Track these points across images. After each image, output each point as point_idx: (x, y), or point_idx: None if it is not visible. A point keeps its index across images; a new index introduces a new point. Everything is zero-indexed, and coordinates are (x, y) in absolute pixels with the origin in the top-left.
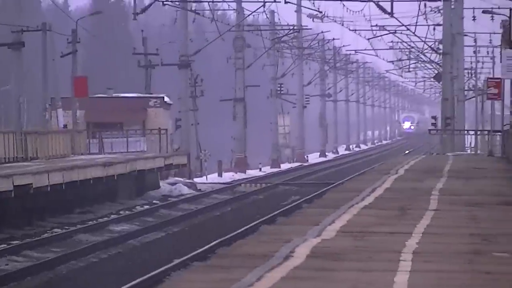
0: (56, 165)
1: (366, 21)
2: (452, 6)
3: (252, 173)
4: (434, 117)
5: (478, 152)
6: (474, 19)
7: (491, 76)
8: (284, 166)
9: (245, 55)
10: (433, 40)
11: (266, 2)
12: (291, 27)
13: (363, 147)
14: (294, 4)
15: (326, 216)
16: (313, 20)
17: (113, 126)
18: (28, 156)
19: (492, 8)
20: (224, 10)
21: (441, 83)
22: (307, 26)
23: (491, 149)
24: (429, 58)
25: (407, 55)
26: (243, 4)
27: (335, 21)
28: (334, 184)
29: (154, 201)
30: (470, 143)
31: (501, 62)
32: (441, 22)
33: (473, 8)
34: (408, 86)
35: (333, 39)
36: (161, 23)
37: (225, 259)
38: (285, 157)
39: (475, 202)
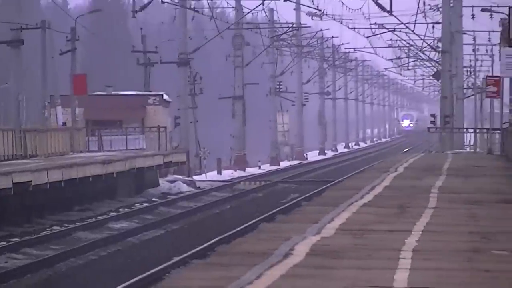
0: (55, 162)
1: (365, 19)
2: (451, 4)
3: (251, 171)
4: (433, 115)
5: (477, 150)
6: (473, 17)
7: (490, 74)
8: (283, 164)
9: (244, 53)
10: (432, 38)
11: (265, 0)
12: (290, 25)
13: (362, 145)
14: (293, 2)
15: (325, 214)
16: (312, 18)
17: (112, 123)
18: (27, 153)
19: (491, 6)
20: (223, 8)
21: (440, 81)
22: (306, 24)
23: (490, 147)
24: (428, 56)
25: (406, 53)
26: (242, 2)
27: (334, 19)
28: (333, 182)
29: (153, 199)
30: (469, 141)
31: (500, 60)
32: (440, 20)
33: (472, 6)
34: (407, 84)
35: (332, 37)
36: (160, 21)
37: (224, 257)
38: (284, 155)
39: (474, 200)
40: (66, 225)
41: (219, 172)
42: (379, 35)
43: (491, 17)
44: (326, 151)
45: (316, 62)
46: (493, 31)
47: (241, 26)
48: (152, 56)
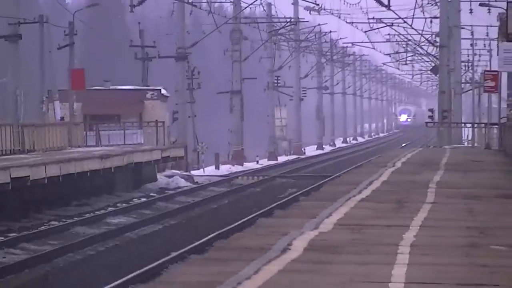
0: (53, 157)
1: (363, 14)
2: None
3: (249, 165)
4: (431, 110)
5: (475, 145)
6: (471, 12)
7: (488, 69)
8: (281, 159)
9: (242, 47)
10: (430, 33)
11: None
12: (288, 20)
13: (360, 139)
14: None
15: (323, 209)
16: (310, 12)
17: (110, 118)
18: (25, 148)
19: (489, 1)
20: (221, 2)
21: (438, 76)
22: (304, 18)
23: (488, 142)
24: (426, 51)
25: (404, 47)
26: None
27: (332, 13)
28: (331, 177)
29: (151, 194)
30: (467, 136)
31: (498, 55)
32: (438, 15)
33: (470, 1)
34: (405, 79)
35: (330, 31)
36: (158, 16)
37: (222, 252)
38: (282, 150)
39: (472, 195)
40: (64, 220)
41: (217, 167)
42: (377, 29)
43: (489, 12)
44: (324, 146)
45: (314, 57)
46: (491, 26)
47: (239, 20)
48: (150, 50)
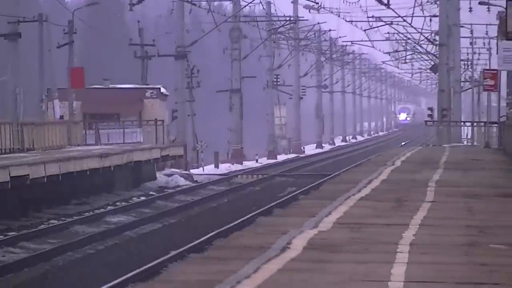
0: (53, 156)
1: (362, 12)
2: None
3: (248, 164)
4: (431, 109)
5: (475, 143)
6: (470, 10)
7: (487, 67)
8: (281, 158)
9: (242, 46)
10: (430, 31)
11: None
12: (288, 18)
13: (359, 138)
14: None
15: (323, 207)
16: (309, 11)
17: (110, 117)
18: (24, 147)
19: None
20: (220, 0)
21: (437, 74)
22: (303, 17)
23: (488, 141)
24: (426, 50)
25: (403, 46)
26: None
27: (332, 12)
28: (331, 176)
29: (150, 193)
30: (467, 134)
31: (497, 53)
32: (438, 13)
33: None
34: (405, 78)
35: (330, 30)
36: (158, 14)
37: (221, 251)
38: (281, 148)
39: (471, 193)
40: (64, 218)
41: (217, 166)
42: (376, 28)
43: (488, 10)
44: (323, 145)
45: (313, 55)
46: (491, 24)
47: (238, 19)
48: (149, 49)
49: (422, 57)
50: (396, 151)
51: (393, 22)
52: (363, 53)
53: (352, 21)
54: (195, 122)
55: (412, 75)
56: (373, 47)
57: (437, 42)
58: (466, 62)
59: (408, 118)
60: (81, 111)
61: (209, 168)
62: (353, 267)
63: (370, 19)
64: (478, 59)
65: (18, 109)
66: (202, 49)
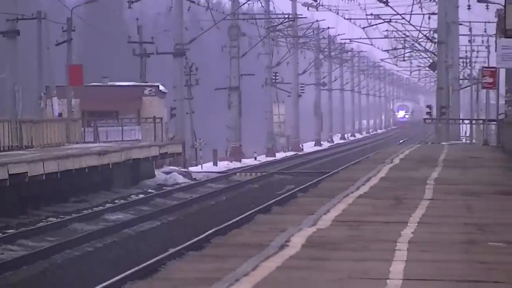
0: (51, 153)
1: (361, 10)
2: None
3: (247, 162)
4: (429, 106)
5: (473, 141)
6: (469, 8)
7: (486, 65)
8: (279, 155)
9: (240, 43)
10: (428, 29)
11: None
12: (286, 16)
13: (358, 136)
14: None
15: (321, 205)
16: (308, 8)
17: (108, 114)
18: (23, 144)
19: None
20: None
21: (436, 72)
22: (302, 14)
23: (486, 138)
24: (424, 47)
25: (402, 44)
26: None
27: (330, 9)
28: (329, 173)
29: (149, 190)
30: (465, 132)
31: (496, 51)
32: (436, 11)
33: None
34: (403, 75)
35: (328, 27)
36: (156, 12)
37: (220, 249)
38: (280, 146)
39: (470, 191)
40: (62, 216)
41: (215, 163)
42: (375, 25)
43: (487, 8)
44: (322, 142)
45: (312, 53)
46: (489, 22)
47: (237, 16)
48: (148, 46)
49: (420, 54)
50: (395, 149)
51: (392, 20)
52: (361, 51)
53: (350, 19)
54: (193, 119)
55: (411, 73)
56: (372, 44)
57: (436, 40)
58: (464, 60)
59: (407, 116)
60: (79, 109)
61: (208, 166)
62: (351, 264)
63: (369, 16)
64: (477, 56)
65: (17, 106)
66: (200, 47)
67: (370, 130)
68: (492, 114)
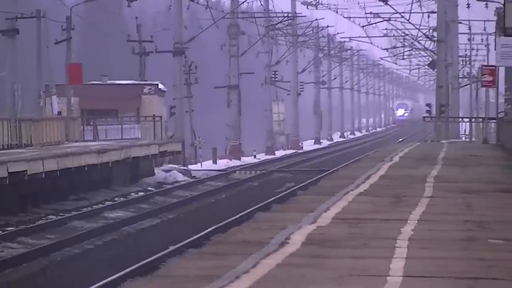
0: (51, 152)
1: (360, 9)
2: None
3: (246, 160)
4: (429, 105)
5: (473, 139)
6: (468, 7)
7: (485, 63)
8: (279, 153)
9: (239, 42)
10: (428, 28)
11: None
12: (286, 15)
13: (357, 134)
14: None
15: (321, 203)
16: (307, 7)
17: (108, 113)
18: (22, 143)
19: None
20: None
21: (435, 70)
22: (301, 13)
23: (486, 137)
24: (424, 46)
25: (401, 42)
26: None
27: (330, 8)
28: (329, 171)
29: (149, 188)
30: (465, 130)
31: (495, 49)
32: (436, 10)
33: None
34: (403, 74)
35: (328, 26)
36: (156, 10)
37: (220, 246)
38: (279, 144)
39: (470, 189)
40: (62, 214)
41: (215, 162)
42: (374, 24)
43: (486, 6)
44: (321, 141)
45: (311, 52)
46: (489, 21)
47: (236, 15)
48: (147, 45)
49: (420, 53)
50: (394, 147)
51: (391, 18)
52: (361, 49)
53: (350, 17)
54: (193, 118)
55: (410, 71)
56: (371, 43)
57: (435, 38)
58: (464, 58)
59: (406, 114)
60: (79, 107)
61: (207, 164)
62: (351, 262)
63: (368, 15)
64: (476, 55)
65: (16, 105)
66: (200, 46)
67: (370, 129)
68: (491, 112)
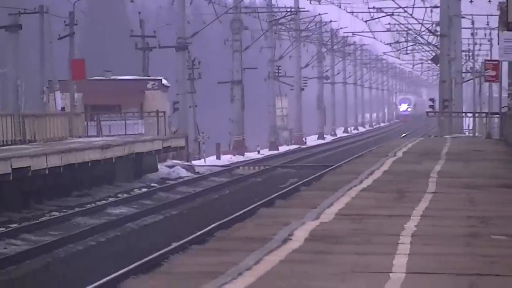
0: (54, 148)
1: (363, 3)
2: None
3: (250, 155)
4: (432, 99)
5: (476, 134)
6: (471, 1)
7: (488, 58)
8: (282, 149)
9: (243, 37)
10: (431, 22)
11: None
12: (289, 9)
13: (361, 129)
14: None
15: (325, 199)
16: (310, 2)
17: (111, 108)
18: (26, 138)
19: None
20: None
21: (438, 65)
22: (304, 8)
23: (489, 132)
24: (427, 40)
25: (404, 37)
26: None
27: (333, 3)
28: (333, 167)
29: (152, 184)
30: (468, 125)
31: (498, 44)
32: (439, 4)
33: None
34: (406, 69)
35: (331, 21)
36: (159, 5)
37: (223, 242)
38: (283, 140)
39: (473, 184)
40: (65, 210)
41: (218, 157)
42: (377, 19)
43: (489, 1)
44: (325, 136)
45: (314, 47)
46: (492, 15)
47: (239, 10)
48: (150, 40)
49: (423, 48)
50: (398, 142)
51: (394, 13)
52: (364, 44)
53: (353, 12)
54: (196, 113)
55: (413, 66)
56: (374, 38)
57: (438, 33)
58: (467, 53)
59: (409, 109)
60: (82, 103)
61: (211, 160)
62: (355, 258)
63: (371, 10)
64: (479, 49)
65: (19, 101)
66: (203, 41)
67: (373, 124)
68: (495, 107)
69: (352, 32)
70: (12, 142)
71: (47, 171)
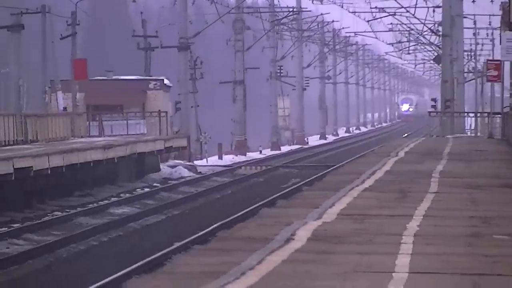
0: (56, 148)
1: (365, 3)
2: None
3: (252, 155)
4: (434, 99)
5: (478, 134)
6: (473, 1)
7: (490, 58)
8: (284, 149)
9: (245, 37)
10: (433, 22)
11: None
12: (291, 9)
13: (363, 129)
14: None
15: (326, 199)
16: (312, 2)
17: (113, 108)
18: (28, 138)
19: None
20: None
21: (440, 65)
22: (306, 8)
23: (491, 131)
24: (429, 40)
25: (406, 37)
26: None
27: (335, 3)
28: (334, 167)
29: (154, 184)
30: (470, 125)
31: (500, 44)
32: (441, 4)
33: None
34: (408, 68)
35: (333, 21)
36: (161, 5)
37: (225, 242)
38: (285, 140)
39: (475, 184)
40: (67, 210)
41: (220, 157)
42: (379, 19)
43: (491, 1)
44: (327, 136)
45: (316, 47)
46: (494, 15)
47: (241, 10)
48: (152, 40)
49: (425, 48)
50: (400, 142)
51: (396, 13)
52: (366, 44)
53: (355, 12)
54: (198, 113)
55: (416, 66)
56: (376, 38)
57: (440, 33)
58: (469, 53)
59: (411, 109)
60: (84, 103)
61: (213, 160)
62: (357, 258)
63: (373, 10)
64: (482, 49)
65: (21, 100)
66: (205, 41)
67: (375, 124)
68: (497, 107)
69: (354, 32)
70: (14, 142)
71: (49, 171)
